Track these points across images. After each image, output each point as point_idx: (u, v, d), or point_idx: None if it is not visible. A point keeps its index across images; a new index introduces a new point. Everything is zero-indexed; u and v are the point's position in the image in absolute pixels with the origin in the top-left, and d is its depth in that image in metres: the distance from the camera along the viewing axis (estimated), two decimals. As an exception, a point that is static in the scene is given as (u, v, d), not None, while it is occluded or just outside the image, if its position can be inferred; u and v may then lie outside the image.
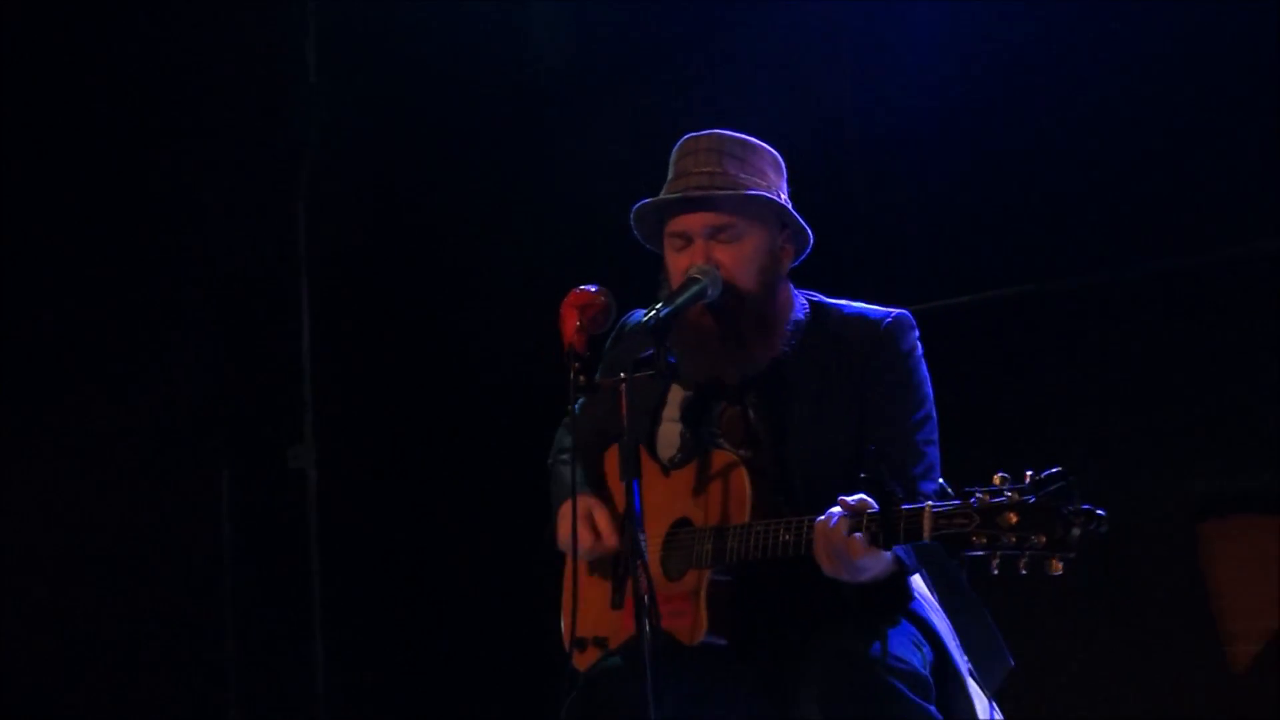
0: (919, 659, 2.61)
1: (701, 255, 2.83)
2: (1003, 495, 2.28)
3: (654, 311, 2.72)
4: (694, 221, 2.86)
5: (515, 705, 6.24)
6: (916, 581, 2.83)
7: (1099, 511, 2.27)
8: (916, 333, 2.93)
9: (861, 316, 2.94)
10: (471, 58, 6.37)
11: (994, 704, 2.77)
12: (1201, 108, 4.99)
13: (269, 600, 6.59)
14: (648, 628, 2.45)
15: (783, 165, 2.94)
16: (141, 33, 6.35)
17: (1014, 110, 5.29)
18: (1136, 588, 5.23)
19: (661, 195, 2.90)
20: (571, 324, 2.71)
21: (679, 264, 2.87)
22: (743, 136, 2.93)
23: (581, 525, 2.87)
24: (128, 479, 6.94)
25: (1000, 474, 2.32)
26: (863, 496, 2.49)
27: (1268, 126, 4.81)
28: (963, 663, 2.74)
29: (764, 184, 2.87)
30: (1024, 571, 2.28)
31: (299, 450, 6.42)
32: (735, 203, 2.83)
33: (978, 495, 2.31)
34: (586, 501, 2.92)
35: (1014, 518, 2.27)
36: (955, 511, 2.34)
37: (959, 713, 2.66)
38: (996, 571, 2.32)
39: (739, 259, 2.85)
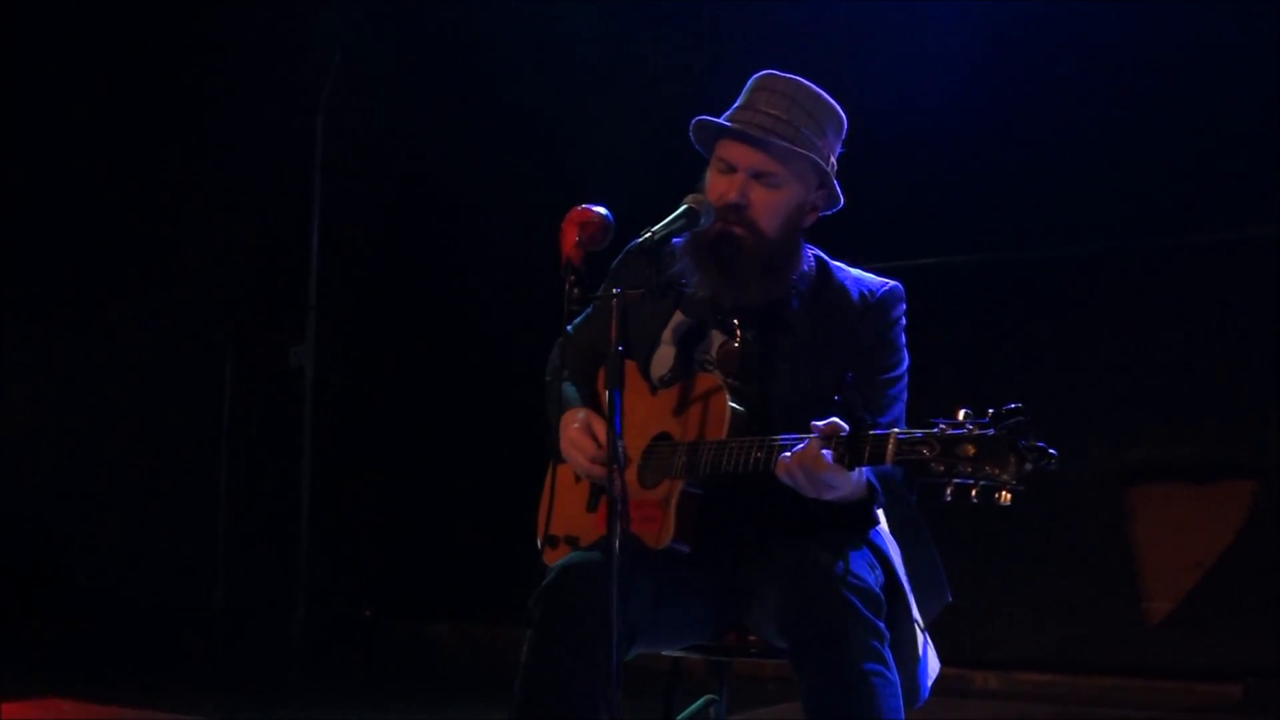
0: (873, 578, 2.59)
1: (737, 188, 2.79)
2: (964, 427, 2.26)
3: (649, 234, 2.67)
4: (743, 156, 2.81)
5: (487, 594, 6.23)
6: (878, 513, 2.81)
7: (1051, 450, 2.23)
8: (904, 305, 2.90)
9: (860, 280, 2.92)
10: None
11: (926, 634, 2.75)
12: (1193, 113, 4.99)
13: (261, 482, 6.56)
14: (618, 529, 2.40)
15: (844, 128, 2.90)
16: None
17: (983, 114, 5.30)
18: (1066, 542, 5.24)
19: (726, 119, 2.85)
20: (570, 239, 2.65)
21: (718, 185, 2.83)
22: (818, 91, 2.87)
23: (583, 435, 2.83)
24: (140, 363, 6.89)
25: (964, 410, 2.29)
26: (835, 420, 2.46)
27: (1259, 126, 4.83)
28: (909, 587, 2.72)
29: (821, 144, 2.83)
30: (974, 500, 2.25)
31: (300, 349, 6.36)
32: (785, 153, 2.77)
33: (940, 425, 2.28)
34: (587, 414, 2.88)
35: (972, 449, 2.25)
36: (918, 440, 2.31)
37: (903, 632, 2.65)
38: (949, 498, 2.29)
39: (771, 205, 2.81)
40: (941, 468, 2.27)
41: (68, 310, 6.95)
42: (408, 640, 6.59)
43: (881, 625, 2.50)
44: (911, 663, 2.66)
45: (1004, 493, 2.24)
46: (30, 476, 6.79)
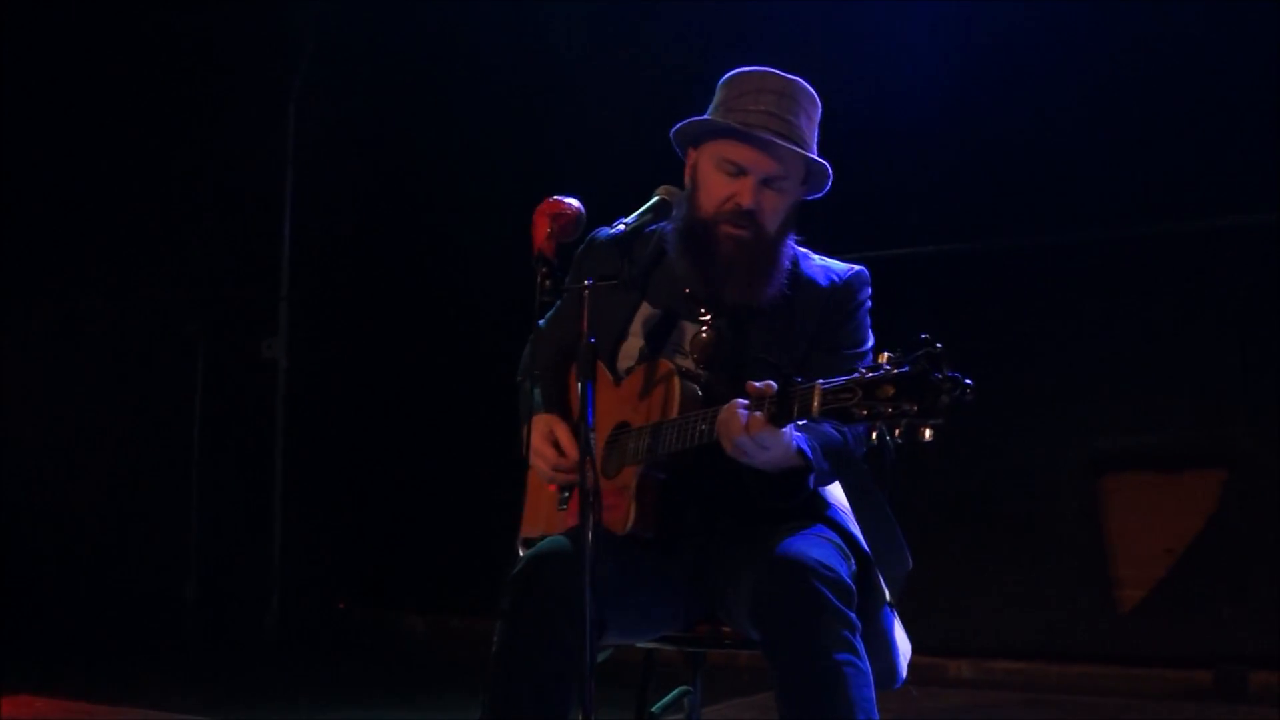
0: (845, 569, 2.59)
1: (750, 194, 2.76)
2: (881, 369, 2.25)
3: (621, 225, 2.67)
4: (760, 163, 2.77)
5: (461, 585, 6.23)
6: (836, 492, 2.81)
7: (967, 381, 2.20)
8: (870, 289, 2.90)
9: (827, 269, 2.92)
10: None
11: (894, 611, 2.75)
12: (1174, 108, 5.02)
13: (234, 475, 6.53)
14: (591, 523, 2.40)
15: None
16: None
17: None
18: (1038, 530, 5.27)
19: (739, 122, 2.78)
20: (543, 231, 2.64)
21: (723, 186, 2.80)
22: (809, 88, 2.85)
23: (544, 444, 2.83)
24: (112, 355, 6.85)
25: (887, 353, 2.27)
26: (769, 382, 2.47)
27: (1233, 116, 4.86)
28: (879, 572, 2.72)
29: (814, 142, 2.84)
30: (899, 440, 2.24)
31: (273, 341, 6.35)
32: (795, 157, 2.77)
33: (860, 370, 2.27)
34: (549, 420, 2.87)
35: (890, 390, 2.23)
36: (841, 388, 2.30)
37: (875, 621, 2.66)
38: (875, 440, 2.31)
39: (777, 208, 2.80)
40: (864, 411, 2.25)
41: (39, 303, 6.90)
42: (382, 632, 6.58)
43: (853, 615, 2.51)
44: (885, 651, 2.68)
45: (924, 429, 2.22)
46: (0, 471, 6.75)
